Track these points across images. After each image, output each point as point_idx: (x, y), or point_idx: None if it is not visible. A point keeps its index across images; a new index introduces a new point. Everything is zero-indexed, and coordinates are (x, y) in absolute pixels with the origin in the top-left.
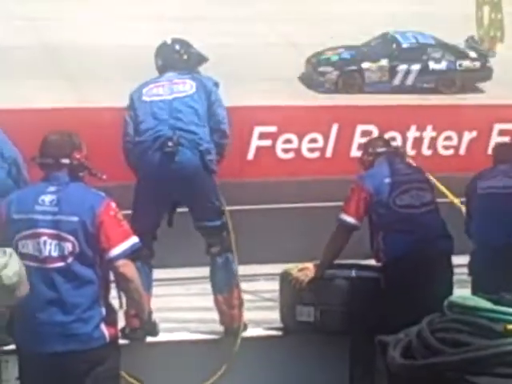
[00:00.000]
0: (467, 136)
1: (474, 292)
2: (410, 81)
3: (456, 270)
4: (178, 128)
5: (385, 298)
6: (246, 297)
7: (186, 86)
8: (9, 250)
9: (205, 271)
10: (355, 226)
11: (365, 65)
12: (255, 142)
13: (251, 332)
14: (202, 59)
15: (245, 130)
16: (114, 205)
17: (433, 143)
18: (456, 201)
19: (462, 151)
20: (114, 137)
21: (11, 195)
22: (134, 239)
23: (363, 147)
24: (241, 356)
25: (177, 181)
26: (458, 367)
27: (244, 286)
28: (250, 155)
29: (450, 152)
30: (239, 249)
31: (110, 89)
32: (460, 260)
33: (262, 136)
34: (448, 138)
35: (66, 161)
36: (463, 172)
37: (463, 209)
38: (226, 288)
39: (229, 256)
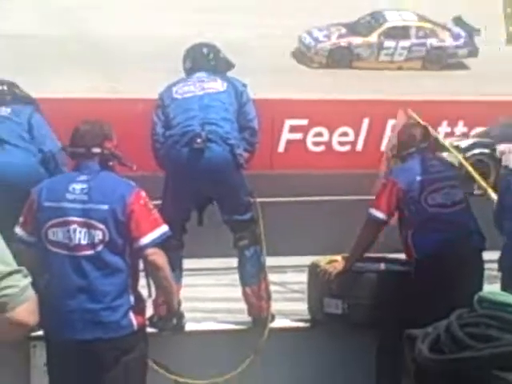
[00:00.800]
0: None
1: (504, 288)
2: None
3: (485, 266)
4: (207, 122)
5: (414, 293)
6: (274, 288)
7: (216, 84)
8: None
9: (233, 262)
10: (385, 221)
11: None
12: (286, 135)
13: (279, 323)
14: (229, 65)
15: (276, 122)
16: (143, 194)
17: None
18: (490, 190)
19: None
20: (147, 127)
21: (42, 183)
22: (164, 228)
23: (400, 132)
24: (268, 347)
25: (206, 176)
26: (487, 362)
27: (272, 277)
28: (281, 148)
29: None
30: (268, 240)
31: (145, 79)
32: (490, 255)
33: (292, 129)
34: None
35: (97, 150)
36: None
37: (494, 197)
38: (254, 280)
39: (257, 249)
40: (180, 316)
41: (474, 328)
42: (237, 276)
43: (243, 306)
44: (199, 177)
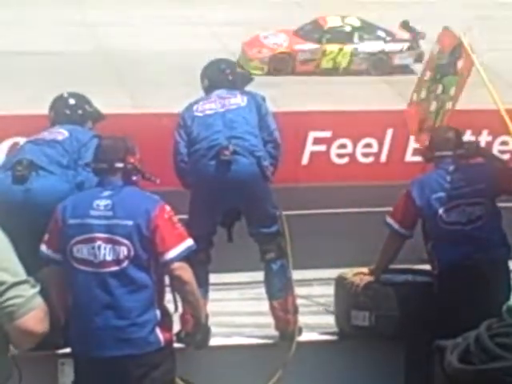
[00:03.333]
0: None
1: None
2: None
3: None
4: (233, 137)
5: (439, 305)
6: (300, 301)
7: (237, 99)
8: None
9: (259, 276)
10: (403, 233)
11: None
12: (309, 147)
13: (306, 336)
14: (247, 79)
15: (300, 134)
16: (168, 208)
17: (489, 147)
18: None
19: None
20: (169, 142)
21: (66, 200)
22: (189, 242)
23: (430, 138)
24: (296, 360)
25: (233, 188)
26: None
27: (298, 290)
28: (305, 160)
29: (507, 156)
30: (293, 254)
31: (165, 94)
32: None
33: (316, 141)
34: (504, 143)
35: (119, 165)
36: None
37: None
38: (281, 294)
39: (283, 262)
40: (207, 331)
41: (504, 338)
42: (262, 290)
43: (270, 320)
44: (227, 189)
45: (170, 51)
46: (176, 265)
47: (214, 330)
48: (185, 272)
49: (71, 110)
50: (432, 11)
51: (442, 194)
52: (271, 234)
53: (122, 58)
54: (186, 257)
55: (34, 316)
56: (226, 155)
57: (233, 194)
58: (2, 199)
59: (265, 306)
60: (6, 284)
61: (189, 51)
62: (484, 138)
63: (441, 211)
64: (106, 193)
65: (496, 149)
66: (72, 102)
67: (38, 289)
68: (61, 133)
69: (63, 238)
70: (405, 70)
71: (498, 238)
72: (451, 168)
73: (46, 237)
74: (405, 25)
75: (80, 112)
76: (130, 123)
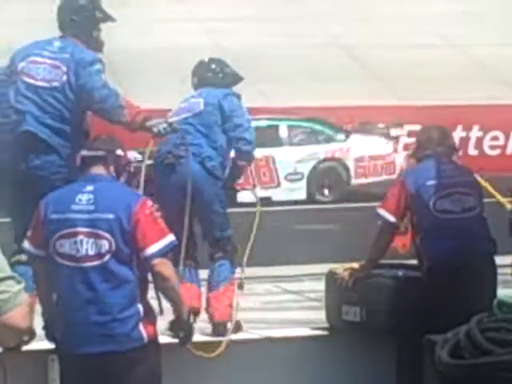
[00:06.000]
0: None
1: None
2: None
3: (503, 271)
4: (182, 143)
5: (426, 299)
6: (291, 297)
7: (195, 105)
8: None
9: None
10: (394, 223)
11: None
12: None
13: (297, 332)
14: (237, 78)
15: None
16: (150, 203)
17: (479, 143)
18: (504, 200)
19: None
20: None
21: (48, 196)
22: (171, 237)
23: (417, 137)
24: (287, 356)
25: (179, 190)
26: (508, 367)
27: (289, 286)
28: None
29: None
30: (284, 250)
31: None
32: (501, 260)
33: None
34: (495, 138)
35: (108, 156)
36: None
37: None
38: (217, 286)
39: (228, 262)
40: (190, 327)
41: (495, 333)
42: (249, 285)
43: (256, 315)
44: (173, 192)
45: (162, 48)
46: (156, 261)
47: (202, 325)
48: (165, 268)
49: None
50: None
51: (435, 182)
52: (220, 239)
53: (115, 55)
54: (167, 253)
55: (20, 312)
56: (169, 159)
57: (179, 196)
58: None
59: (254, 301)
60: None
61: (180, 47)
62: (475, 134)
63: (434, 199)
64: (89, 187)
65: (487, 144)
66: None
67: (23, 285)
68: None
69: (46, 233)
70: None
71: (487, 231)
72: (444, 160)
73: (29, 233)
74: None
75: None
76: None
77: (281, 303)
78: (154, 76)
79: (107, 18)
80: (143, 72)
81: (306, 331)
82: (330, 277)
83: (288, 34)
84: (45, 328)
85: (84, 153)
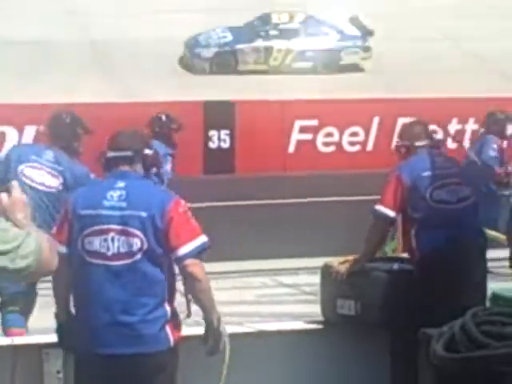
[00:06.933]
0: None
1: None
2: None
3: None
4: None
5: (420, 292)
6: (286, 290)
7: None
8: (25, 231)
9: (246, 265)
10: (394, 218)
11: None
12: (296, 136)
13: (292, 325)
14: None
15: (286, 123)
16: (183, 202)
17: (475, 136)
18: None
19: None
20: None
21: (76, 192)
22: (203, 238)
23: (401, 133)
24: (281, 349)
25: None
26: (503, 360)
27: (285, 279)
28: (291, 148)
29: None
30: (280, 242)
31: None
32: (490, 254)
33: (302, 130)
34: None
35: (136, 156)
36: None
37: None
38: None
39: None
40: (219, 335)
41: (490, 326)
42: (247, 279)
43: (254, 309)
44: None
45: (153, 38)
46: (189, 261)
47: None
48: (198, 269)
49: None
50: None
51: (430, 173)
52: None
53: (107, 46)
54: (200, 253)
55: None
56: None
57: None
58: None
59: (249, 295)
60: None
61: (172, 39)
62: (470, 127)
63: (431, 189)
64: (120, 184)
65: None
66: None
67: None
68: None
69: (75, 229)
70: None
71: (479, 222)
72: (435, 152)
73: (54, 230)
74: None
75: None
76: (118, 112)
77: (276, 296)
78: (146, 67)
79: (87, 131)
80: (135, 63)
81: (300, 325)
82: (326, 270)
83: None
84: (58, 330)
85: (111, 154)
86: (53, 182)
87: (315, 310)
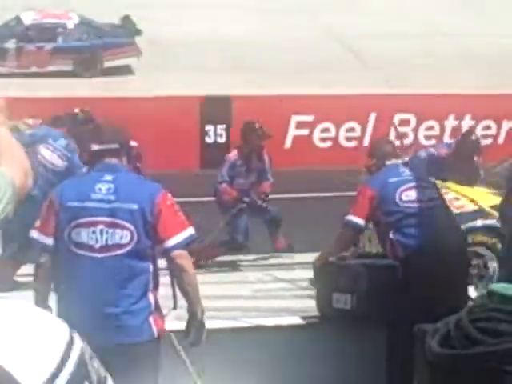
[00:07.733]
0: (506, 125)
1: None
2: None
3: None
4: None
5: (405, 290)
6: (282, 285)
7: None
8: None
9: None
10: (362, 227)
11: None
12: (292, 131)
13: (288, 320)
14: None
15: (283, 119)
16: (170, 195)
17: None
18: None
19: (500, 140)
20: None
21: (62, 184)
22: (191, 230)
23: (371, 151)
24: (278, 344)
25: None
26: (499, 357)
27: (281, 274)
28: (288, 144)
29: (488, 141)
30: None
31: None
32: None
33: (299, 125)
34: (487, 128)
35: (122, 149)
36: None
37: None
38: None
39: None
40: (202, 326)
41: (485, 323)
42: (245, 273)
43: (252, 303)
44: None
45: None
46: (177, 253)
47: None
48: (186, 260)
49: None
50: None
51: (398, 179)
52: None
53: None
54: (188, 245)
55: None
56: None
57: None
58: None
59: (246, 289)
60: None
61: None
62: (467, 123)
63: (399, 192)
64: (108, 177)
65: (478, 133)
66: None
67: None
68: None
69: (61, 221)
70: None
71: (454, 220)
72: (401, 165)
73: (38, 223)
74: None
75: None
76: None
77: (272, 291)
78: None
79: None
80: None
81: (296, 319)
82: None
83: (284, 25)
84: None
85: (96, 147)
86: (59, 163)
87: (311, 304)
